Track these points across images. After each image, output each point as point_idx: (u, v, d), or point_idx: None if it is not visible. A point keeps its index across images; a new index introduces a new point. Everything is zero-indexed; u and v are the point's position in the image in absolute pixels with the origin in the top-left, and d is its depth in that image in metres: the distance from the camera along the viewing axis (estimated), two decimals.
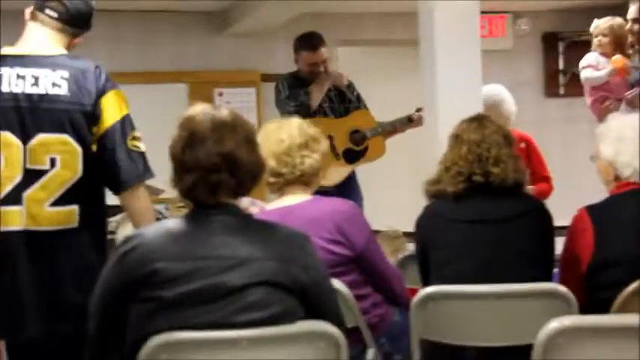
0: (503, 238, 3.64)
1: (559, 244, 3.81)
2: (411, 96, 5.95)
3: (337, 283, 3.19)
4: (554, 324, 2.69)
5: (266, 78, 9.16)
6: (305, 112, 6.02)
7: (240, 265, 2.71)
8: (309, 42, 6.65)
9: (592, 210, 3.65)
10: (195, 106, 2.95)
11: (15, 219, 3.58)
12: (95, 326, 2.89)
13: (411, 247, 4.55)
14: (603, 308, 3.28)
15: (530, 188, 4.92)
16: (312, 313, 2.78)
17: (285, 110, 6.43)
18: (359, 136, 6.51)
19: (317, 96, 6.44)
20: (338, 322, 2.82)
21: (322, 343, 2.72)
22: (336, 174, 6.26)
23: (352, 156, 6.44)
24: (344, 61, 8.26)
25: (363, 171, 6.61)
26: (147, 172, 3.81)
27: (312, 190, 3.99)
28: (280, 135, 3.81)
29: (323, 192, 4.64)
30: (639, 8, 5.92)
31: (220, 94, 8.82)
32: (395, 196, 6.25)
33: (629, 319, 2.96)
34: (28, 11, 3.80)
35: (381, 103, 6.63)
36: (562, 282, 3.53)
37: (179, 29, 8.72)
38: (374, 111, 6.57)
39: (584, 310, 3.32)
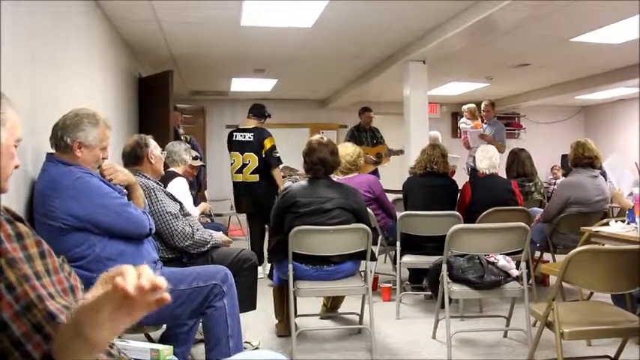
0: (438, 194, 3.49)
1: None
2: (399, 135, 5.66)
3: (368, 209, 3.02)
4: (454, 227, 2.63)
5: (341, 127, 8.86)
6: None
7: (330, 200, 2.66)
8: (369, 109, 6.01)
9: (471, 182, 3.61)
10: (312, 137, 2.89)
11: (240, 177, 4.20)
12: (273, 222, 2.80)
13: (397, 196, 4.37)
14: (472, 221, 3.25)
15: None
16: (358, 220, 2.71)
17: (348, 138, 5.96)
18: (380, 154, 5.92)
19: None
20: (368, 224, 2.72)
21: (361, 232, 2.65)
22: (370, 168, 5.97)
23: (376, 162, 6.09)
24: (377, 120, 7.90)
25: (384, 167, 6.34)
26: (279, 163, 4.20)
27: (358, 172, 3.77)
28: (347, 151, 3.65)
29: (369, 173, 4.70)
30: (485, 105, 5.67)
31: (321, 133, 8.48)
32: (392, 174, 5.98)
33: (485, 225, 2.97)
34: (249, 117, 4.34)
35: (388, 139, 6.29)
36: (458, 210, 3.40)
37: (305, 106, 8.46)
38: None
39: (465, 222, 3.19)
